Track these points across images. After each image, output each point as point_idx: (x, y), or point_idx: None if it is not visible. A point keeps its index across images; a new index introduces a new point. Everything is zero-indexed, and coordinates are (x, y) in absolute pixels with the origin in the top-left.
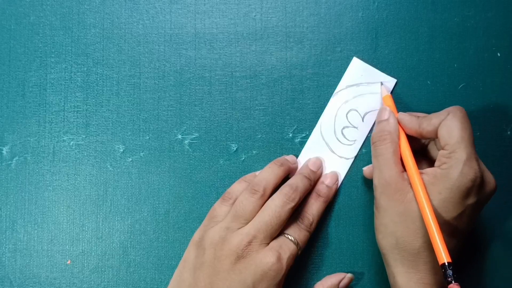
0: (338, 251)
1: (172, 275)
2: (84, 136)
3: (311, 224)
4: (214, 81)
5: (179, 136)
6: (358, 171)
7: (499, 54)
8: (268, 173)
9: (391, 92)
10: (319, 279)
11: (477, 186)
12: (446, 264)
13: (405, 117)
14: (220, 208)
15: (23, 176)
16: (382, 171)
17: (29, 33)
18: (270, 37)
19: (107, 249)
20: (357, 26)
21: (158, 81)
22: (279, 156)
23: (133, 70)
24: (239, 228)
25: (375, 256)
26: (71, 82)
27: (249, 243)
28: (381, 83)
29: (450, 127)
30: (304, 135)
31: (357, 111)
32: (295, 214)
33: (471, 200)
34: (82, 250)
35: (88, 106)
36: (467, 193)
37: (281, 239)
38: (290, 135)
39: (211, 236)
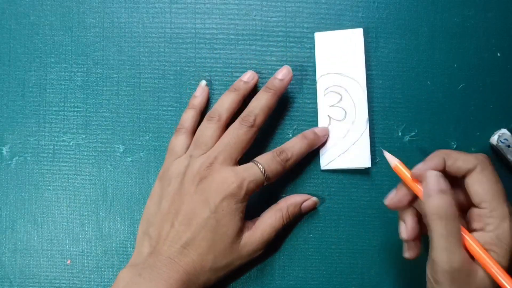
0: (338, 251)
1: None
2: (84, 136)
3: (287, 160)
4: (214, 81)
5: None
6: (358, 172)
7: (499, 54)
8: (223, 100)
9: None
10: (319, 279)
11: None
12: None
13: (430, 164)
14: (176, 140)
15: (23, 176)
16: (454, 253)
17: (29, 33)
18: (270, 37)
19: (107, 249)
20: (357, 26)
21: (158, 81)
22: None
23: (133, 70)
24: (201, 155)
25: (375, 256)
26: (71, 82)
27: (211, 164)
28: (382, 150)
29: (482, 183)
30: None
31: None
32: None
33: None
34: (82, 250)
35: (88, 106)
36: None
37: (249, 164)
38: (290, 135)
39: (175, 167)
